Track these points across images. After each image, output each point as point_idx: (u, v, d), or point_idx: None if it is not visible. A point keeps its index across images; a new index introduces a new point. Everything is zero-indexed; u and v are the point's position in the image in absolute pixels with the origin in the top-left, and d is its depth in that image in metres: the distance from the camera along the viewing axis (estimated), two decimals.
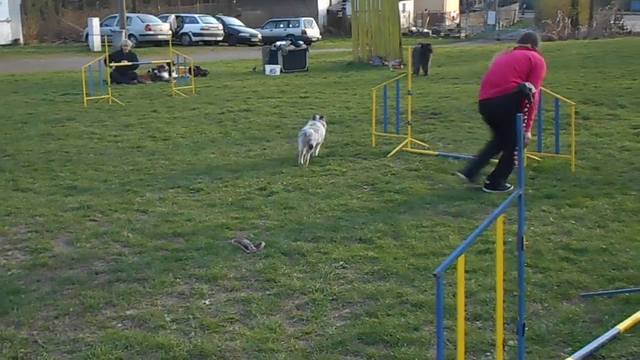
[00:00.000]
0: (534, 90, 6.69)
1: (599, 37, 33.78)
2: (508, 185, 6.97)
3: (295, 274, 4.94)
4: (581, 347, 3.74)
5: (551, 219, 6.10)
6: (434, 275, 2.74)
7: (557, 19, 38.11)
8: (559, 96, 8.09)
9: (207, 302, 4.52)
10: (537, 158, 8.04)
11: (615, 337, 3.86)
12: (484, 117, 7.32)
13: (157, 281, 4.85)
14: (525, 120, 6.66)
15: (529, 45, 7.14)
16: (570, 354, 3.70)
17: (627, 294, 4.42)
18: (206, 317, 4.30)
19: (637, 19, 44.13)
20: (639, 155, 8.33)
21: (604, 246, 5.36)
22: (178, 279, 4.91)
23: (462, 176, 7.22)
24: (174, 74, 17.33)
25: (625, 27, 38.17)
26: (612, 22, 38.04)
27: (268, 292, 4.65)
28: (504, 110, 6.73)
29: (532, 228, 5.85)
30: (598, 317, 4.17)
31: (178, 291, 4.70)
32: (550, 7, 46.09)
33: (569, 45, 28.59)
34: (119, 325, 4.22)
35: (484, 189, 6.99)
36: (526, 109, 6.72)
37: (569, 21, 39.77)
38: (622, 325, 3.95)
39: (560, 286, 4.63)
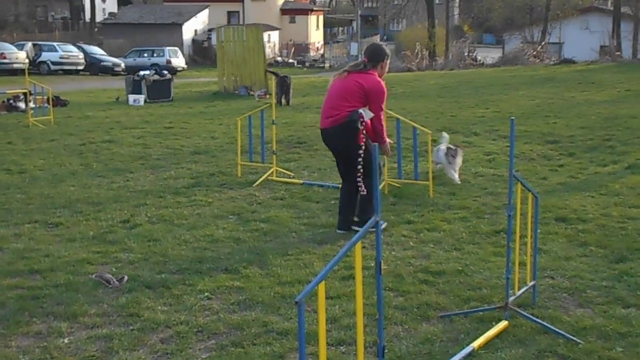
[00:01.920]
0: (365, 117, 6.27)
1: (454, 69, 35.45)
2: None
3: (159, 307, 4.85)
4: None
5: (411, 244, 6.32)
6: (296, 302, 2.78)
7: (416, 51, 39.71)
8: (416, 125, 8.43)
9: (66, 341, 4.35)
10: (397, 184, 8.31)
11: (470, 355, 4.05)
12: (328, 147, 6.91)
13: (12, 321, 4.62)
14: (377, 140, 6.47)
15: (362, 67, 6.50)
16: None
17: (481, 312, 4.65)
18: (65, 356, 4.14)
19: (489, 51, 46.81)
20: (492, 181, 8.79)
21: (460, 268, 5.61)
22: (35, 317, 4.70)
23: (343, 232, 6.61)
24: (31, 104, 16.65)
25: (478, 59, 40.30)
26: (466, 54, 40.05)
27: (131, 327, 4.53)
28: (341, 140, 6.45)
29: (393, 252, 6.04)
30: (455, 336, 4.35)
31: (35, 330, 4.50)
32: (409, 39, 48.07)
33: (427, 75, 29.84)
34: None
35: (354, 228, 6.57)
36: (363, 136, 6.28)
37: (427, 53, 41.53)
38: (476, 343, 4.15)
39: (420, 308, 4.80)
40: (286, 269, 5.62)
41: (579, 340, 4.23)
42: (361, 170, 6.31)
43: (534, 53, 37.87)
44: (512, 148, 4.38)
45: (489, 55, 42.55)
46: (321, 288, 2.90)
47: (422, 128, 8.60)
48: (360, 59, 6.89)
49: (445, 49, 45.55)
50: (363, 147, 6.26)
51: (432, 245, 6.26)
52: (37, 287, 5.25)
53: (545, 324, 4.42)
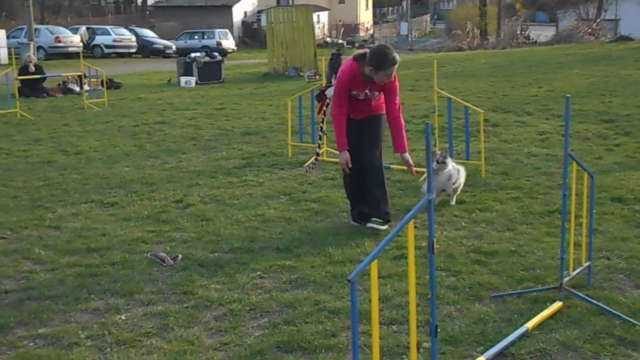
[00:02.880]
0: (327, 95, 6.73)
1: (506, 47, 34.90)
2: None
3: (212, 286, 4.92)
4: (492, 346, 3.87)
5: (463, 224, 6.27)
6: (348, 281, 2.79)
7: (467, 30, 39.17)
8: (468, 104, 8.32)
9: (123, 317, 4.45)
10: None
11: (524, 335, 4.01)
12: None
13: (71, 298, 4.74)
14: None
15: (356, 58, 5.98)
16: (482, 353, 3.82)
17: (535, 293, 4.59)
18: (122, 332, 4.23)
19: (542, 29, 45.90)
20: (545, 161, 8.65)
21: (513, 248, 5.55)
22: (92, 294, 4.81)
23: (381, 224, 6.14)
24: (86, 87, 16.96)
25: (531, 38, 39.57)
26: (518, 32, 39.37)
27: (185, 305, 4.61)
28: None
29: (444, 233, 6.00)
30: (508, 316, 4.32)
31: (93, 307, 4.61)
32: (460, 18, 47.45)
33: (478, 55, 29.44)
34: (31, 344, 4.11)
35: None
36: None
37: (478, 32, 40.94)
38: (530, 324, 4.10)
39: (472, 288, 4.77)
40: (337, 248, 5.64)
41: (636, 322, 4.15)
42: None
43: (589, 30, 37.00)
44: (567, 127, 4.29)
45: (542, 33, 41.75)
46: (373, 267, 2.90)
47: (474, 107, 8.50)
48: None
49: (497, 28, 44.78)
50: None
51: (484, 226, 6.20)
52: (95, 265, 5.38)
53: (601, 305, 4.35)
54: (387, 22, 63.64)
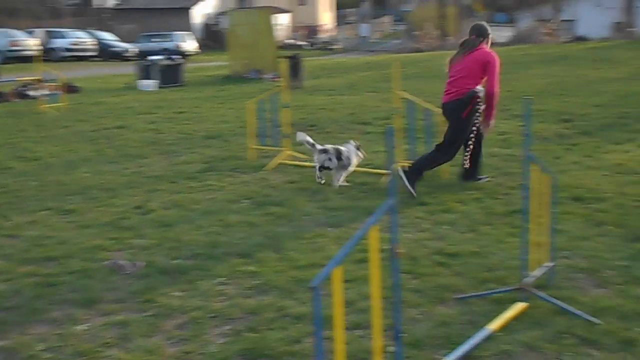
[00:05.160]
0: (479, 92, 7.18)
1: None
2: (483, 176, 7.68)
3: (174, 293, 4.85)
4: (456, 349, 3.87)
5: (426, 225, 6.28)
6: (311, 287, 2.76)
7: (427, 31, 39.45)
8: (429, 106, 8.35)
9: (82, 328, 4.35)
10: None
11: (487, 337, 4.02)
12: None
13: (28, 309, 4.63)
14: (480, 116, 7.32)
15: (473, 45, 7.35)
16: (446, 356, 3.81)
17: (498, 294, 4.61)
18: (82, 343, 4.14)
19: (501, 30, 46.39)
20: (506, 161, 8.72)
21: (476, 249, 5.57)
22: (51, 305, 4.70)
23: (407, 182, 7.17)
24: (43, 91, 16.68)
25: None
26: None
27: (146, 314, 4.53)
28: (453, 113, 7.33)
29: (407, 235, 6.00)
30: (472, 318, 4.32)
31: (51, 318, 4.51)
32: (420, 19, 47.74)
33: (439, 55, 29.61)
34: None
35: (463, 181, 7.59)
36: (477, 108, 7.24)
37: (439, 33, 41.26)
38: (493, 325, 4.11)
39: (436, 290, 4.77)
40: (301, 252, 5.60)
41: (597, 321, 4.19)
42: (471, 146, 7.39)
43: (547, 31, 37.52)
44: (527, 129, 4.32)
45: (502, 34, 42.19)
46: (336, 272, 2.87)
47: (435, 108, 8.52)
48: (469, 37, 7.53)
49: (457, 28, 45.18)
50: (475, 125, 7.29)
51: (446, 227, 6.22)
52: (53, 274, 5.27)
53: (562, 304, 4.38)
54: (348, 23, 63.81)
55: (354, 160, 7.79)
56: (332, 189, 7.57)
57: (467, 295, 4.66)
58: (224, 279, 5.10)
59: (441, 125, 7.79)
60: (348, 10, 73.02)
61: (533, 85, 16.26)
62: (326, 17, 62.59)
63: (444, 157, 7.46)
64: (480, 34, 7.42)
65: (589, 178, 7.65)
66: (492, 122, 7.52)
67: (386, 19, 66.20)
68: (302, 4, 59.78)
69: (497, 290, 4.67)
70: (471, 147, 7.43)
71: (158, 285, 5.00)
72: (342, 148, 7.77)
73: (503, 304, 4.45)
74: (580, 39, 33.91)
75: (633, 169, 8.01)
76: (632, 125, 10.71)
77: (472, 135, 7.37)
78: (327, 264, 2.86)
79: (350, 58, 32.76)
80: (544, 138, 10.15)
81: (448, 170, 7.98)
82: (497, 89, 7.28)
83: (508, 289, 4.62)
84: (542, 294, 4.50)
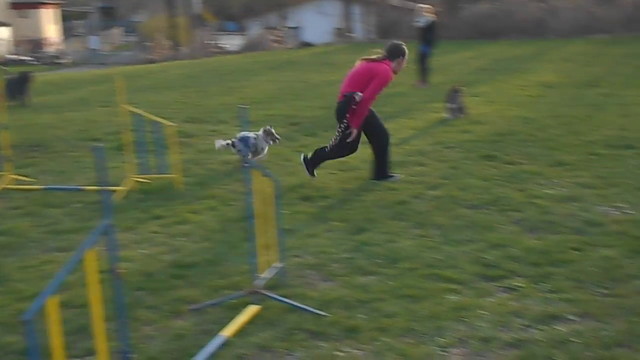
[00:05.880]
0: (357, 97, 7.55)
1: (199, 57, 35.46)
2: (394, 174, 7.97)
3: None
4: None
5: (161, 239, 6.22)
6: (23, 322, 2.60)
7: (159, 41, 39.11)
8: (159, 119, 8.25)
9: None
10: (145, 180, 8.11)
11: (223, 344, 4.07)
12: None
13: None
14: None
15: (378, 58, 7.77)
16: None
17: (232, 300, 4.70)
18: None
19: (233, 38, 47.37)
20: (239, 167, 8.90)
21: (211, 258, 5.63)
22: None
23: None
24: None
25: (221, 47, 40.62)
26: (209, 42, 40.19)
27: None
28: (337, 114, 7.88)
29: (142, 251, 5.90)
30: (207, 327, 4.36)
31: None
32: (151, 30, 47.19)
33: (171, 66, 29.49)
34: None
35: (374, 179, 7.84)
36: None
37: (170, 43, 41.08)
38: (227, 331, 4.18)
39: (171, 304, 4.75)
40: (27, 282, 5.27)
41: (324, 313, 4.43)
42: (336, 139, 7.82)
43: (275, 38, 38.99)
44: (245, 133, 4.44)
45: (233, 42, 43.10)
46: (51, 302, 2.75)
47: (166, 122, 8.46)
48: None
49: (189, 38, 45.34)
50: (346, 124, 7.72)
51: (182, 239, 6.22)
52: None
53: (292, 302, 4.57)
54: (76, 35, 61.29)
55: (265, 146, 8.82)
56: (60, 212, 7.21)
57: (201, 305, 4.69)
58: None
59: (171, 137, 7.76)
60: (75, 22, 70.19)
61: (264, 91, 16.80)
62: (52, 30, 59.55)
63: (344, 151, 7.98)
64: (390, 53, 7.83)
65: (316, 178, 8.06)
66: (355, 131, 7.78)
67: (116, 31, 64.53)
68: (23, 17, 56.30)
69: (230, 296, 4.76)
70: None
71: None
72: (250, 135, 8.55)
73: (237, 309, 4.55)
74: (306, 44, 35.67)
75: (354, 165, 8.58)
76: None
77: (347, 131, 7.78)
78: (40, 295, 2.72)
79: (81, 72, 31.46)
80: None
81: (181, 180, 7.98)
82: (367, 100, 7.63)
83: (241, 293, 4.73)
84: (273, 294, 4.66)
